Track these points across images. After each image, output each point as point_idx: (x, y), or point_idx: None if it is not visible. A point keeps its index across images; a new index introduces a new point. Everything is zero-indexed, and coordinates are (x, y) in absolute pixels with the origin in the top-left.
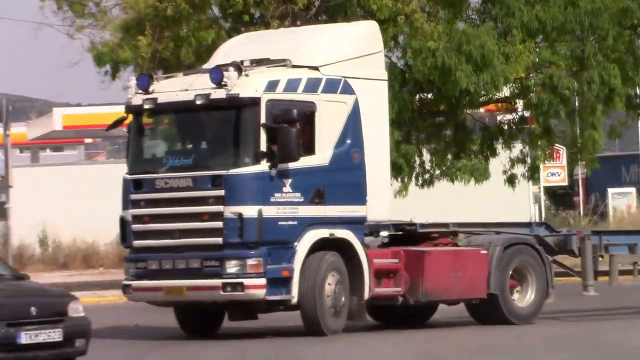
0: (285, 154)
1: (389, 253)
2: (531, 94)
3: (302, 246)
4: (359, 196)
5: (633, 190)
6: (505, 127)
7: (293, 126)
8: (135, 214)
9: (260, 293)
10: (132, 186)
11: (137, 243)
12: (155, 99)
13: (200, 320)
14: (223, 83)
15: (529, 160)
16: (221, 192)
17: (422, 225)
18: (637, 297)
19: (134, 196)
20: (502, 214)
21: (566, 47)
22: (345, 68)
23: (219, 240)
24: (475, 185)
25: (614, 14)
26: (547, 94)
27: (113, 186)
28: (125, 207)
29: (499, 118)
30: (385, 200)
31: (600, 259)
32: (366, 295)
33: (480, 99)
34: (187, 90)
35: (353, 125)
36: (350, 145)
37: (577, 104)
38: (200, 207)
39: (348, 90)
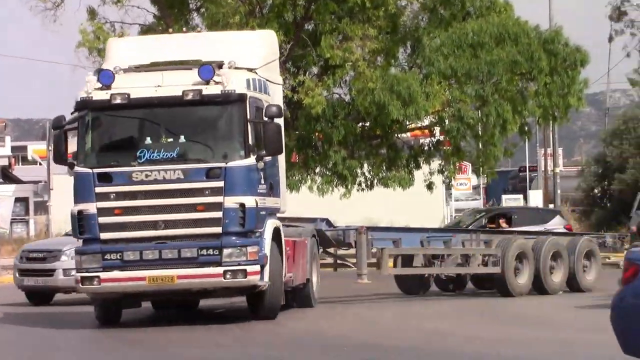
0: (273, 148)
1: (288, 242)
2: (445, 123)
3: (268, 235)
4: (279, 190)
5: (521, 196)
6: (426, 147)
7: (277, 121)
8: (105, 206)
9: (256, 279)
10: (96, 179)
11: (106, 235)
12: (127, 95)
13: (112, 311)
14: (215, 80)
15: (445, 172)
16: (220, 184)
17: None
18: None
19: (99, 189)
20: (423, 213)
21: (471, 88)
22: (266, 71)
23: (218, 229)
24: (403, 190)
25: (506, 64)
26: (456, 123)
27: None
28: (82, 200)
29: (421, 141)
30: (284, 194)
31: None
32: (284, 279)
33: (407, 127)
34: (159, 86)
35: None
36: None
37: (480, 131)
38: (195, 198)
39: (268, 92)
